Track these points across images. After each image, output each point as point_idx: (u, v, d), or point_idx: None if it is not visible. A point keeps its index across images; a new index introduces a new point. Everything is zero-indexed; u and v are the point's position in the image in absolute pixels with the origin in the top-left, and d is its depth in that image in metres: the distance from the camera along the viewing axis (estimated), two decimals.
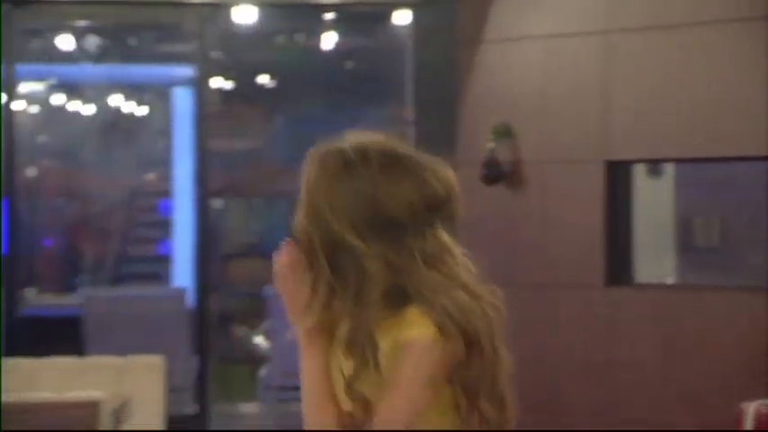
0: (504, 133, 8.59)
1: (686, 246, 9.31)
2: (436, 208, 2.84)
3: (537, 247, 8.33)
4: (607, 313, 8.31)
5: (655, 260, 8.99)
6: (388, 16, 10.84)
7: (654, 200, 8.92)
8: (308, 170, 2.84)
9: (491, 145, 8.63)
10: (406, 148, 2.89)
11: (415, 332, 2.74)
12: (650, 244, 8.88)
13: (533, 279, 8.47)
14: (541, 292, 8.47)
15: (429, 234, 2.82)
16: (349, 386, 2.81)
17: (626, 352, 8.19)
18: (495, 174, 8.61)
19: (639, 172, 8.74)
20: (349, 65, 13.09)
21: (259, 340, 11.69)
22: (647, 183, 8.85)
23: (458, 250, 2.84)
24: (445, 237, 2.84)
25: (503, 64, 8.96)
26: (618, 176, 8.55)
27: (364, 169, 2.79)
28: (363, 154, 2.81)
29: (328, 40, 12.22)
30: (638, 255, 8.62)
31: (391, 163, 2.82)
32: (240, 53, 12.11)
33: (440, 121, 9.36)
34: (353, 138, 2.88)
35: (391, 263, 2.78)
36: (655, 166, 8.83)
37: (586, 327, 8.26)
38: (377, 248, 2.77)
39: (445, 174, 2.86)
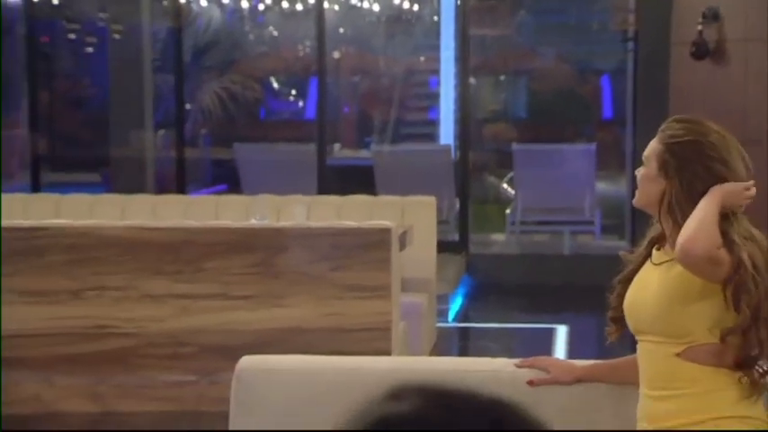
0: (712, 17, 8.22)
1: None
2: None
3: (734, 110, 7.86)
4: None
5: None
6: None
7: None
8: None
9: (700, 27, 8.24)
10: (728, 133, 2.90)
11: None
12: None
13: (734, 135, 8.11)
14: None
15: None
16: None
17: None
18: (702, 51, 8.27)
19: None
20: None
21: (505, 186, 11.67)
22: None
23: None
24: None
25: None
26: None
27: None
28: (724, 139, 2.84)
29: None
30: None
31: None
32: None
33: (657, 7, 9.02)
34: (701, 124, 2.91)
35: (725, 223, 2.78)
36: None
37: None
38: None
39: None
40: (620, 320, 2.97)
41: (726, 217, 2.77)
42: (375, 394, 0.86)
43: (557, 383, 3.06)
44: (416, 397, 0.82)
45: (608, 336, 3.06)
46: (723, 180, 2.77)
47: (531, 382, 3.06)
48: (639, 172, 2.93)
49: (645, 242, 2.96)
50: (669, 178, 2.82)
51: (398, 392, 0.83)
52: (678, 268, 2.78)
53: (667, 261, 2.84)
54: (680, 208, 2.80)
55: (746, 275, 2.70)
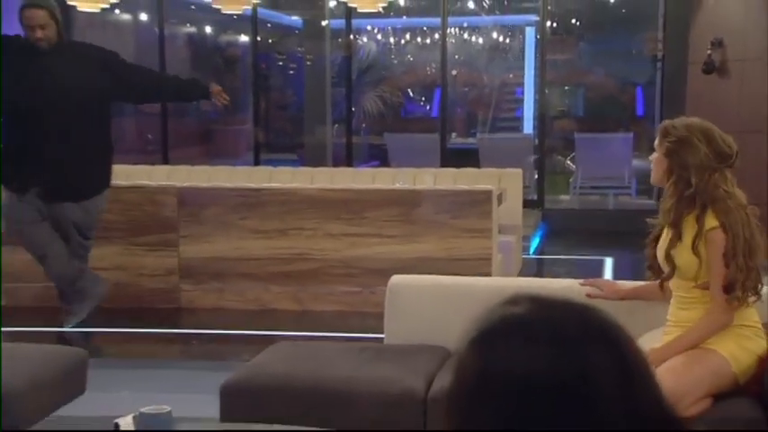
0: (718, 44, 7.92)
1: None
2: (728, 159, 2.76)
3: (733, 110, 7.56)
4: None
5: None
6: None
7: None
8: (676, 134, 2.77)
9: (709, 51, 7.95)
10: (708, 125, 2.81)
11: (713, 224, 2.71)
12: None
13: (730, 127, 7.73)
14: (735, 136, 7.77)
15: (726, 172, 2.77)
16: (667, 252, 2.79)
17: None
18: (710, 68, 7.97)
19: None
20: (624, 9, 12.30)
21: (569, 162, 11.46)
22: None
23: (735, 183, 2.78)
24: (731, 176, 2.78)
25: (719, 3, 8.17)
26: None
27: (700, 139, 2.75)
28: (693, 130, 2.77)
29: None
30: None
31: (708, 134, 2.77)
32: (562, 8, 11.56)
33: (678, 39, 8.70)
34: (686, 120, 2.83)
35: (706, 182, 2.72)
36: None
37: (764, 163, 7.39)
38: (706, 176, 2.73)
39: (730, 141, 2.78)
40: (654, 268, 2.94)
41: (720, 201, 2.73)
42: (495, 301, 0.82)
43: (607, 299, 3.03)
44: (528, 302, 0.79)
45: (648, 278, 3.04)
46: (706, 157, 2.74)
47: (588, 296, 3.06)
48: (653, 157, 2.90)
49: (661, 214, 2.89)
50: (670, 160, 2.81)
51: (515, 299, 0.80)
52: (684, 232, 2.78)
53: (673, 228, 2.80)
54: (681, 180, 2.78)
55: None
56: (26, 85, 4.56)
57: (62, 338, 4.79)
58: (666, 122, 2.87)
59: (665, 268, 2.82)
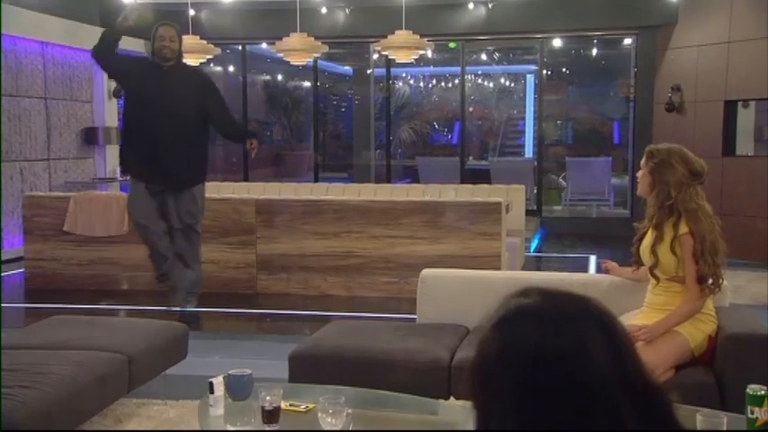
0: (677, 89, 7.83)
1: (759, 137, 7.92)
2: (699, 176, 2.71)
3: (689, 138, 7.40)
4: (722, 171, 7.32)
5: (747, 144, 7.79)
6: (622, 39, 9.95)
7: (744, 117, 7.72)
8: (660, 155, 2.73)
9: (670, 94, 7.85)
10: (685, 150, 2.75)
11: (684, 230, 2.67)
12: (745, 137, 7.73)
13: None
14: None
15: (697, 188, 2.72)
16: (652, 248, 2.75)
17: (735, 203, 7.16)
18: (671, 107, 7.87)
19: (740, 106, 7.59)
20: (603, 61, 12.14)
21: (561, 180, 11.31)
22: (742, 110, 7.64)
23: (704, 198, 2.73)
24: (701, 191, 2.73)
25: (677, 58, 8.01)
26: (730, 107, 7.46)
27: (677, 161, 2.71)
28: (673, 153, 2.72)
29: (593, 51, 11.53)
30: (738, 142, 7.55)
31: (684, 157, 2.73)
32: (555, 59, 11.42)
33: (646, 84, 8.55)
34: (667, 145, 2.77)
35: (683, 195, 2.68)
36: (746, 102, 7.56)
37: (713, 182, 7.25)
38: (682, 190, 2.69)
39: (702, 163, 2.74)
40: (638, 261, 2.92)
41: (693, 212, 2.69)
42: (510, 292, 0.79)
43: (619, 276, 3.09)
44: (537, 294, 0.77)
45: (633, 268, 3.01)
46: (683, 175, 2.71)
47: (607, 270, 3.15)
48: (639, 173, 2.86)
49: (647, 219, 2.88)
50: (653, 176, 2.76)
51: (526, 291, 0.78)
52: (664, 234, 2.75)
53: (656, 230, 2.79)
54: (662, 192, 2.74)
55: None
56: (148, 94, 4.45)
57: (169, 314, 4.84)
58: (651, 147, 2.85)
59: (650, 260, 2.79)
